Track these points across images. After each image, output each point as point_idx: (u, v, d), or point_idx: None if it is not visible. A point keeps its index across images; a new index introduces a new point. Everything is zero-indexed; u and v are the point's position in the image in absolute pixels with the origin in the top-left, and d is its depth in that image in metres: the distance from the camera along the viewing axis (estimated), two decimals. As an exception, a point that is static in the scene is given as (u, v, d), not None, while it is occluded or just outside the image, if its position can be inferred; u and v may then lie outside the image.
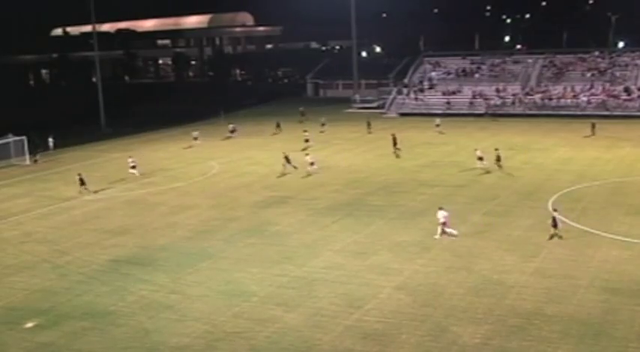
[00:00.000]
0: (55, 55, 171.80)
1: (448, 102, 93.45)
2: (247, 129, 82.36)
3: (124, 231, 41.90)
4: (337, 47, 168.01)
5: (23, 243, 40.57)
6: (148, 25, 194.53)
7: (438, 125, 75.96)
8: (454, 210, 42.01)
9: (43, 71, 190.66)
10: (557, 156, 60.08)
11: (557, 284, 30.46)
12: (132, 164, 57.76)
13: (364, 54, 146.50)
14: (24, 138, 67.78)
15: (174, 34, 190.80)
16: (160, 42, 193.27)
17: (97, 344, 26.56)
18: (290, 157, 56.52)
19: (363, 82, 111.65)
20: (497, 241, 36.77)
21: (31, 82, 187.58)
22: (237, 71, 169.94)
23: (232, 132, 78.03)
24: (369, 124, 77.33)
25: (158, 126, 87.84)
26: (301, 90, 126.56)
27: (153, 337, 26.89)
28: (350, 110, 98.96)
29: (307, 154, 57.91)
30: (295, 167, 55.85)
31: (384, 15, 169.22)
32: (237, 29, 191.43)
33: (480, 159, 53.98)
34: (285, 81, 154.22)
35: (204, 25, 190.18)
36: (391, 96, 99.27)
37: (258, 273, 33.23)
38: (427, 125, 77.52)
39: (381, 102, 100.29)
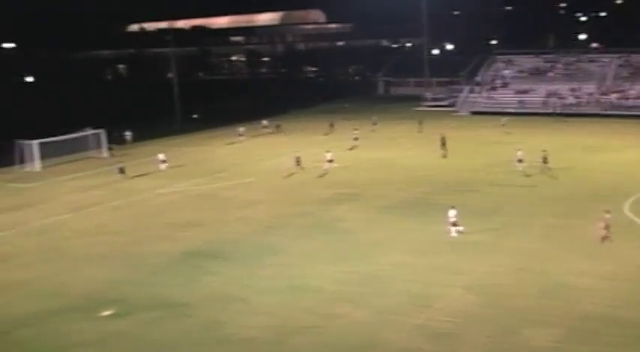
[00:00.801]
0: (131, 51, 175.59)
1: (521, 101, 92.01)
2: (313, 125, 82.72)
3: (196, 224, 42.70)
4: (408, 44, 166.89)
5: (99, 233, 41.79)
6: (222, 22, 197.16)
7: (503, 124, 74.84)
8: (525, 210, 41.55)
9: (120, 66, 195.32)
10: (632, 157, 58.47)
11: (631, 288, 29.76)
12: (162, 159, 59.82)
13: (436, 51, 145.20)
14: (101, 131, 69.75)
15: (247, 31, 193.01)
16: (233, 39, 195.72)
17: (169, 334, 27.19)
18: (301, 159, 56.89)
19: (434, 79, 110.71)
20: (568, 243, 36.08)
21: (109, 77, 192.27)
22: (309, 68, 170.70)
23: (266, 127, 79.75)
24: (420, 123, 76.24)
25: (229, 122, 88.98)
26: (372, 87, 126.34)
27: (224, 329, 27.38)
28: (420, 108, 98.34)
29: (328, 151, 57.85)
30: (302, 168, 56.35)
31: (457, 12, 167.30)
32: (309, 26, 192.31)
33: (520, 161, 52.77)
34: (356, 78, 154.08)
35: (277, 22, 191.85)
36: (463, 95, 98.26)
37: (326, 269, 33.44)
38: (498, 124, 76.44)
39: (452, 100, 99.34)
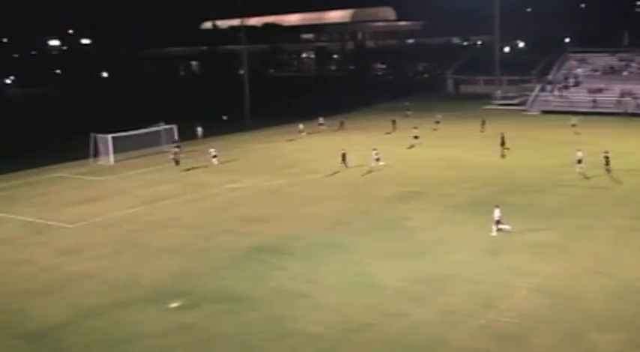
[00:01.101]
0: (204, 48, 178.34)
1: (594, 101, 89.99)
2: (378, 123, 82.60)
3: (263, 219, 43.22)
4: (479, 42, 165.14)
5: (169, 226, 42.72)
6: (293, 19, 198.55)
7: (574, 125, 73.19)
8: (595, 211, 40.73)
9: (193, 63, 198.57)
10: None
11: None
12: (213, 154, 61.35)
13: (507, 49, 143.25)
14: (174, 126, 71.18)
15: (317, 29, 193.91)
16: (303, 36, 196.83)
17: (234, 327, 27.64)
18: (346, 156, 56.85)
19: (504, 77, 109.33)
20: (639, 246, 35.25)
21: (182, 73, 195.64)
22: (378, 65, 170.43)
23: (322, 124, 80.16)
24: (483, 123, 74.88)
25: (298, 119, 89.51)
26: (441, 85, 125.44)
27: (287, 323, 27.69)
28: (490, 107, 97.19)
29: (374, 149, 57.65)
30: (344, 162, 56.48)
31: (529, 10, 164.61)
32: (379, 24, 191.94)
33: (579, 161, 51.50)
34: (425, 76, 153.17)
35: (347, 20, 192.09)
36: (534, 93, 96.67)
37: (390, 267, 33.45)
38: (569, 124, 74.91)
39: (522, 98, 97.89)
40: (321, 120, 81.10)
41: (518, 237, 37.19)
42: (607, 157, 51.63)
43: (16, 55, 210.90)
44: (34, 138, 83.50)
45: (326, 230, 40.32)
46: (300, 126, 76.63)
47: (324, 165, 59.52)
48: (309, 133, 76.15)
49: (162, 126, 71.40)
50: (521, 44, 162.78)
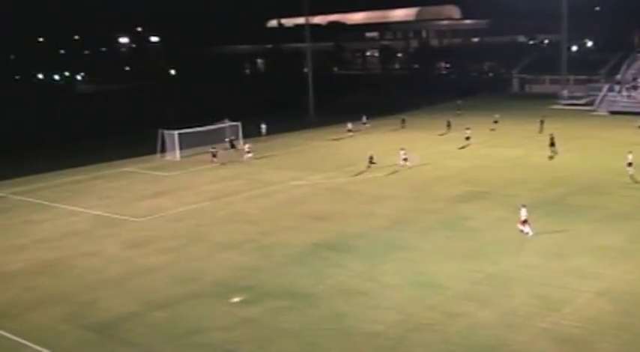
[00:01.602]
0: (269, 46, 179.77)
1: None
2: (439, 122, 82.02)
3: (325, 216, 43.54)
4: (546, 41, 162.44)
5: (233, 222, 43.41)
6: (357, 17, 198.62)
7: (639, 126, 71.46)
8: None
9: (258, 61, 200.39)
10: None
11: None
12: (247, 150, 63.43)
13: (574, 48, 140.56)
14: (239, 123, 72.12)
15: (381, 27, 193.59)
16: (368, 34, 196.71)
17: (295, 323, 28.00)
18: (374, 158, 57.02)
19: (571, 77, 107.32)
20: None
21: (247, 71, 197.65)
22: (442, 64, 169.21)
23: (365, 124, 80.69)
24: (541, 123, 73.19)
25: (361, 117, 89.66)
26: (506, 84, 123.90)
27: (347, 321, 27.90)
28: (556, 106, 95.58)
29: (402, 149, 57.67)
30: (374, 163, 56.90)
31: (597, 8, 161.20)
32: (444, 22, 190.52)
33: (630, 164, 50.11)
34: (490, 75, 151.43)
35: (412, 18, 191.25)
36: (601, 93, 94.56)
37: (452, 267, 33.36)
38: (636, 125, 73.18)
39: (590, 99, 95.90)
40: (364, 119, 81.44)
41: (582, 240, 36.65)
42: None
43: (86, 52, 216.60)
44: (103, 133, 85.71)
45: (388, 228, 40.40)
46: (349, 125, 76.83)
47: (387, 163, 59.47)
48: (362, 132, 76.34)
49: (227, 123, 72.41)
50: (589, 43, 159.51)
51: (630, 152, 51.06)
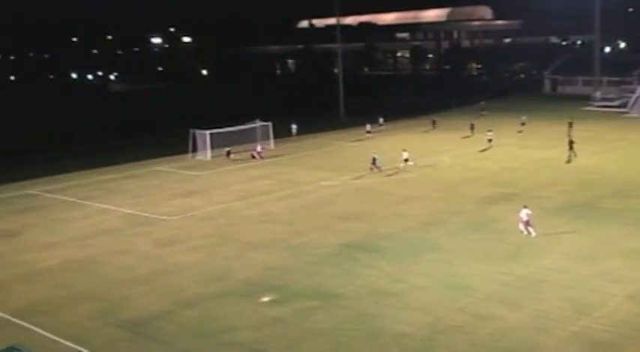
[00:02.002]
0: (300, 46, 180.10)
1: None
2: (468, 123, 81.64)
3: (354, 217, 43.55)
4: (578, 42, 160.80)
5: (262, 222, 43.60)
6: (389, 18, 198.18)
7: None
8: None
9: (289, 61, 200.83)
10: None
11: None
12: (258, 151, 65.05)
13: (607, 49, 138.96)
14: (269, 123, 72.40)
15: (413, 28, 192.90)
16: (399, 35, 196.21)
17: (323, 323, 28.06)
18: (377, 159, 56.85)
19: (604, 78, 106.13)
20: None
21: (278, 71, 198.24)
22: (473, 65, 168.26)
23: (381, 125, 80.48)
24: (570, 125, 71.38)
25: (393, 117, 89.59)
26: (538, 85, 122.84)
27: (376, 322, 27.91)
28: (589, 108, 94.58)
29: (404, 150, 57.85)
30: (380, 170, 56.33)
31: (631, 9, 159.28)
32: (476, 23, 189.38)
33: None
34: (522, 76, 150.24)
35: (443, 19, 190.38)
36: (635, 95, 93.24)
37: (481, 269, 33.21)
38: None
39: (623, 100, 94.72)
40: (381, 120, 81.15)
41: (613, 243, 36.28)
42: None
43: (119, 52, 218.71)
44: (135, 133, 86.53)
45: (417, 229, 40.32)
46: (368, 126, 76.58)
47: (418, 164, 59.33)
48: (390, 133, 76.21)
49: (258, 124, 72.72)
50: (622, 44, 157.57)
51: None
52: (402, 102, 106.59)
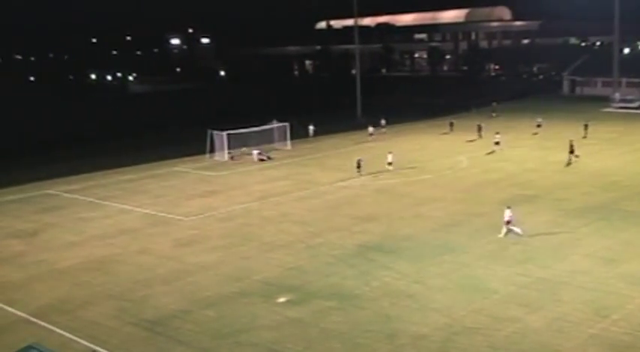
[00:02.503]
0: (318, 47, 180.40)
1: None
2: (490, 125, 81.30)
3: (372, 218, 43.55)
4: (597, 43, 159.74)
5: (281, 222, 43.70)
6: (406, 19, 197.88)
7: None
8: None
9: (307, 62, 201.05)
10: None
11: None
12: (256, 152, 64.70)
13: (626, 51, 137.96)
14: (287, 124, 72.55)
15: (431, 29, 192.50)
16: (416, 36, 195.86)
17: (340, 324, 28.11)
18: (362, 162, 56.72)
19: (624, 80, 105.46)
20: None
21: (296, 72, 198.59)
22: (491, 66, 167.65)
23: (383, 127, 79.27)
24: (585, 128, 71.04)
25: (410, 118, 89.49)
26: (556, 87, 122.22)
27: (393, 323, 27.92)
28: (608, 109, 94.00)
29: (390, 152, 58.26)
30: (361, 173, 56.01)
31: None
32: (494, 24, 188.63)
33: None
34: (540, 77, 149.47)
35: (461, 20, 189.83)
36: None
37: (500, 271, 33.12)
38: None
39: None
40: (383, 122, 79.70)
41: (634, 246, 36.06)
42: None
43: (138, 53, 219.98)
44: (154, 133, 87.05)
45: (436, 231, 40.25)
46: (370, 129, 75.80)
47: (436, 165, 59.30)
48: (409, 134, 76.01)
49: (276, 124, 72.88)
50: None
51: None
52: (420, 103, 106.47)
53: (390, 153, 58.50)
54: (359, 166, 56.62)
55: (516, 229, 37.95)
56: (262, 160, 64.38)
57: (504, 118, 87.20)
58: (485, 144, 67.61)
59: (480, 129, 73.62)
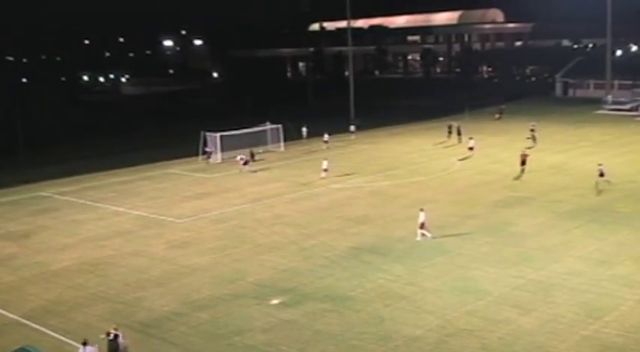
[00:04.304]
0: (311, 49, 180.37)
1: None
2: (489, 127, 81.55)
3: (366, 220, 43.60)
4: (590, 45, 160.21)
5: (274, 224, 43.69)
6: (400, 21, 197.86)
7: None
8: None
9: (300, 64, 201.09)
10: None
11: None
12: (244, 161, 61.13)
13: (619, 53, 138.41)
14: (279, 126, 72.55)
15: (424, 31, 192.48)
16: (410, 38, 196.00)
17: (334, 326, 28.14)
18: (327, 169, 56.14)
19: (616, 82, 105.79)
20: None
21: (289, 74, 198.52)
22: (484, 68, 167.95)
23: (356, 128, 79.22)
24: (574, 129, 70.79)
25: (403, 121, 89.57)
26: (549, 89, 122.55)
27: (387, 325, 27.96)
28: (600, 111, 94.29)
29: (325, 159, 57.70)
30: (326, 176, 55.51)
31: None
32: (487, 26, 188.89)
33: None
34: (533, 79, 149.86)
35: (454, 22, 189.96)
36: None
37: (493, 273, 33.20)
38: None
39: (634, 104, 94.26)
40: (326, 137, 73.85)
41: (627, 247, 36.19)
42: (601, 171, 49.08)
43: (131, 54, 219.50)
44: (146, 135, 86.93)
45: (429, 233, 40.26)
46: (326, 136, 73.56)
47: (430, 167, 59.37)
48: (407, 136, 76.03)
49: (269, 126, 72.87)
50: (634, 48, 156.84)
51: None
52: (413, 105, 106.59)
53: (325, 159, 57.73)
54: (325, 169, 56.29)
55: (426, 232, 38.45)
56: (246, 163, 61.60)
57: (501, 121, 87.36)
58: (478, 147, 67.80)
59: (459, 132, 71.99)
